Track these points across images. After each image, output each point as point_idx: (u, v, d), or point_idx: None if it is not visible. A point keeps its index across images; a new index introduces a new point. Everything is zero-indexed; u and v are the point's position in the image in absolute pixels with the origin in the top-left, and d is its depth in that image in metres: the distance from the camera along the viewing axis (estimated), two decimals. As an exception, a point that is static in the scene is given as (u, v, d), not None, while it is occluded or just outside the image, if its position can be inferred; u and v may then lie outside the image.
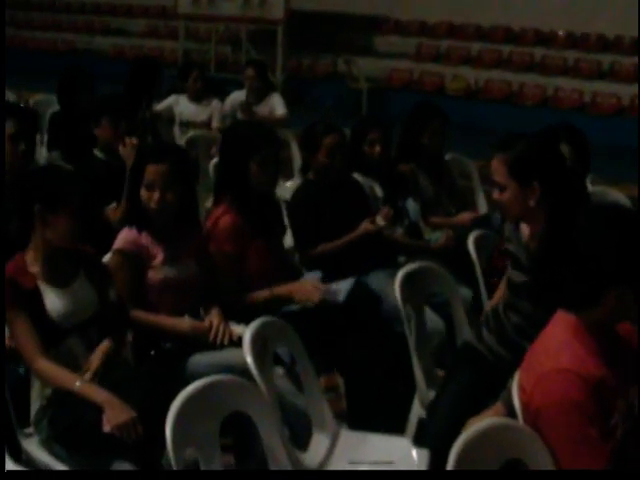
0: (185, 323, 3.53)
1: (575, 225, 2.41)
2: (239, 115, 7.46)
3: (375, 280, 4.26)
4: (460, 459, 2.23)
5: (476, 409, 2.85)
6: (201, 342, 3.48)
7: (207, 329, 3.52)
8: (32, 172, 3.51)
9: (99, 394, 2.99)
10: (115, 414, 2.91)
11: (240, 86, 7.90)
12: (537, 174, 3.02)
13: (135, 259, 3.55)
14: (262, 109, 7.55)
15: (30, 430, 3.16)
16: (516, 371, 2.57)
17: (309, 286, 3.81)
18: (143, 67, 7.10)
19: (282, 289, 3.82)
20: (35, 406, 3.14)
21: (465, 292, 4.22)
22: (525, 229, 3.18)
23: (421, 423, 3.54)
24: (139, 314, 3.51)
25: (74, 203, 3.14)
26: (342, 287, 3.89)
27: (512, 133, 3.22)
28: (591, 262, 2.34)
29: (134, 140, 4.74)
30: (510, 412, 2.63)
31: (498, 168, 3.07)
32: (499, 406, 2.76)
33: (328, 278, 4.05)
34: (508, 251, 3.23)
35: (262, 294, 3.80)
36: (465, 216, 5.11)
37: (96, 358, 3.17)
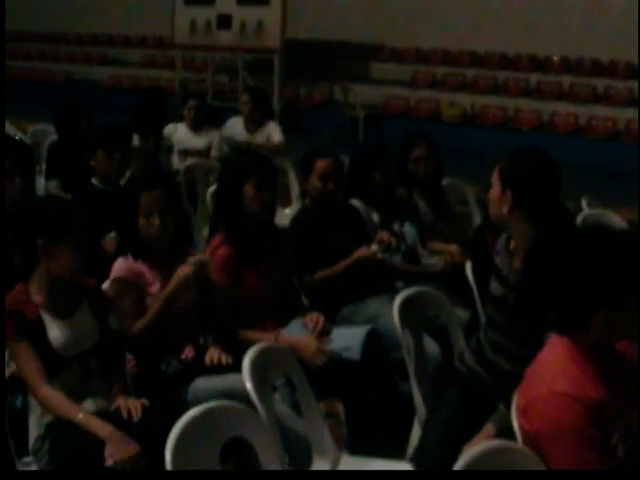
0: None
1: (557, 250, 2.43)
2: (237, 140, 7.45)
3: (373, 306, 4.26)
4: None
5: (464, 430, 2.91)
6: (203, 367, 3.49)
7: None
8: (34, 205, 3.52)
9: (102, 428, 2.97)
10: (118, 449, 2.89)
11: (237, 113, 7.93)
12: (512, 183, 3.10)
13: (135, 286, 3.57)
14: (259, 137, 7.57)
15: (29, 459, 3.14)
16: (498, 390, 2.58)
17: (314, 348, 3.69)
18: (151, 98, 7.20)
19: (286, 339, 3.73)
20: (33, 435, 3.13)
21: (463, 314, 4.22)
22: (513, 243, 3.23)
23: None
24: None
25: (76, 235, 3.15)
26: (354, 342, 3.72)
27: (525, 146, 3.30)
28: (575, 287, 2.34)
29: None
30: (500, 433, 2.65)
31: (495, 169, 3.20)
32: (489, 428, 2.77)
33: (327, 306, 4.04)
34: (494, 263, 3.27)
35: (266, 338, 3.69)
36: (453, 248, 5.11)
37: None
